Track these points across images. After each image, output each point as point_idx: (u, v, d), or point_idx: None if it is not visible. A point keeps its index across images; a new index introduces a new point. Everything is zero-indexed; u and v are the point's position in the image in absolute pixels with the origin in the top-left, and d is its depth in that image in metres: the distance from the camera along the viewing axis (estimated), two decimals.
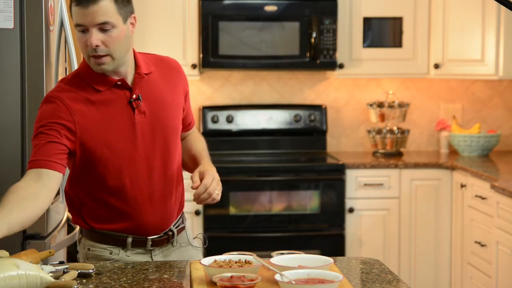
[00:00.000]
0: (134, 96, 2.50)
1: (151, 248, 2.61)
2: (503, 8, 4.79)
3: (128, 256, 2.59)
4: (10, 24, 2.93)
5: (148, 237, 2.60)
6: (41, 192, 2.35)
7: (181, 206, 2.70)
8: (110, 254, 2.58)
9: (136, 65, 2.53)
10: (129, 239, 2.58)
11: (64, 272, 2.23)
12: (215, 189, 2.48)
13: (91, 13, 2.37)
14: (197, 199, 2.47)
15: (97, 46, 2.39)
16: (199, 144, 2.76)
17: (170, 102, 2.58)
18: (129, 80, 2.53)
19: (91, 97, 2.48)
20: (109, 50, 2.42)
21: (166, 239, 2.63)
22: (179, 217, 2.69)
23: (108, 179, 2.52)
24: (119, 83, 2.50)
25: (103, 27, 2.39)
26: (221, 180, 2.55)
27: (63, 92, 2.48)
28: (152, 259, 2.59)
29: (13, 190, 2.30)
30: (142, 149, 2.53)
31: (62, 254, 3.35)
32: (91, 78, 2.49)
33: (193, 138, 2.77)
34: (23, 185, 2.34)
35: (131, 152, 2.51)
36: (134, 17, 2.50)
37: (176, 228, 2.66)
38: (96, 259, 2.59)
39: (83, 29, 2.40)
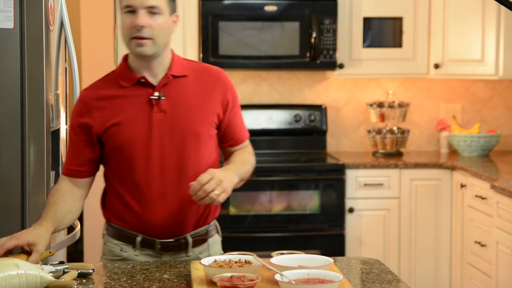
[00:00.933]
0: (156, 94, 2.55)
1: (161, 252, 2.60)
2: (503, 8, 4.80)
3: (137, 255, 2.61)
4: (10, 24, 2.93)
5: (157, 240, 2.60)
6: (77, 192, 2.60)
7: (207, 217, 2.66)
8: (120, 250, 2.61)
9: (169, 67, 2.59)
10: (138, 238, 2.60)
11: (64, 272, 2.23)
12: (213, 188, 2.40)
13: None
14: (194, 195, 2.43)
15: (142, 26, 2.47)
16: (237, 157, 2.70)
17: (197, 107, 2.58)
18: (157, 79, 2.58)
19: (114, 93, 2.57)
20: (153, 34, 2.50)
21: (178, 246, 2.61)
22: (203, 227, 2.66)
23: (122, 173, 2.57)
24: (142, 80, 2.56)
25: (151, 11, 2.49)
26: None
27: (89, 89, 2.63)
28: None
29: (53, 191, 2.59)
30: (158, 148, 2.54)
31: (62, 254, 3.34)
32: (120, 73, 2.60)
33: (236, 154, 2.71)
34: (61, 187, 2.59)
35: (146, 150, 2.54)
36: (177, 16, 2.60)
37: (194, 237, 2.63)
38: (109, 254, 2.63)
39: (131, 9, 2.49)
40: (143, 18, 2.47)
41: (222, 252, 2.72)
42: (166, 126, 2.55)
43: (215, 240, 2.72)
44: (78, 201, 2.60)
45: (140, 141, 2.54)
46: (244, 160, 2.68)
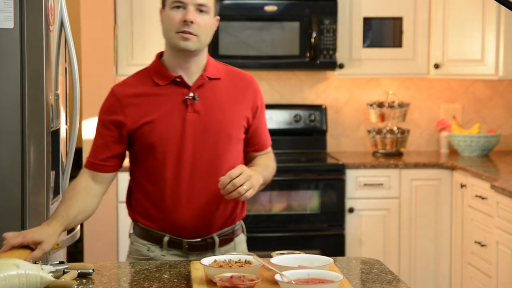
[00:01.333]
0: (191, 94, 2.57)
1: (188, 251, 2.62)
2: (503, 8, 4.80)
3: (164, 255, 2.62)
4: (10, 24, 2.93)
5: (184, 239, 2.61)
6: (96, 188, 2.60)
7: (233, 216, 2.67)
8: (148, 250, 2.63)
9: (204, 68, 2.62)
10: (166, 238, 2.61)
11: (64, 272, 2.23)
12: (242, 182, 2.42)
13: None
14: (222, 189, 2.44)
15: (191, 22, 2.52)
16: (261, 161, 2.73)
17: (229, 110, 2.61)
18: (192, 80, 2.60)
19: (149, 91, 2.59)
20: (199, 31, 2.54)
21: (205, 246, 2.62)
22: (229, 227, 2.67)
23: (152, 171, 2.59)
24: (178, 79, 2.59)
25: (200, 8, 2.54)
26: None
27: (122, 86, 2.63)
28: None
29: (70, 187, 2.60)
30: (190, 147, 2.55)
31: (62, 254, 3.34)
32: (155, 71, 2.62)
33: (260, 158, 2.75)
34: (79, 182, 2.60)
35: (178, 148, 2.56)
36: (218, 19, 2.64)
37: (220, 237, 2.64)
38: (136, 253, 2.66)
39: (180, 5, 2.53)
40: (193, 14, 2.52)
41: (247, 251, 2.73)
42: (199, 127, 2.57)
43: (241, 239, 2.74)
44: (95, 197, 2.60)
45: (173, 140, 2.56)
46: (268, 164, 2.72)
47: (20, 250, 2.30)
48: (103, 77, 4.85)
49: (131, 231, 2.72)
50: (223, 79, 2.65)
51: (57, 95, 3.21)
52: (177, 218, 2.58)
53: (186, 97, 2.57)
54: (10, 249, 2.29)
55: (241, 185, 2.43)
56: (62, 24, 3.29)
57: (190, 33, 2.53)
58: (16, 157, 2.95)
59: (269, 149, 2.81)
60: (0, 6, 2.90)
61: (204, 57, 2.64)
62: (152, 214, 2.61)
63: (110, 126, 2.59)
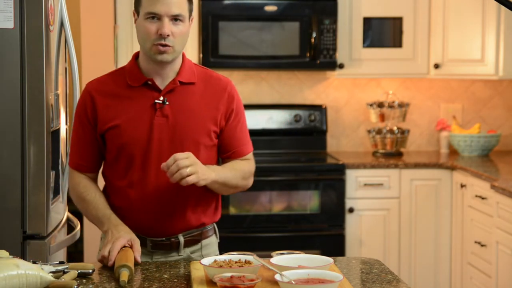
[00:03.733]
0: (160, 98, 2.56)
1: (151, 250, 2.61)
2: (503, 8, 4.80)
3: None
4: (10, 24, 2.93)
5: (148, 238, 2.61)
6: (95, 183, 2.68)
7: (203, 219, 2.66)
8: None
9: (178, 73, 2.60)
10: None
11: (64, 272, 2.23)
12: (186, 164, 2.41)
13: (168, 3, 2.49)
14: (167, 171, 2.43)
15: (168, 35, 2.49)
16: (229, 163, 2.67)
17: (199, 116, 2.59)
18: (165, 83, 2.59)
19: (121, 92, 2.58)
20: (175, 41, 2.52)
21: (169, 245, 2.62)
22: (197, 229, 2.66)
23: (120, 171, 2.59)
24: (149, 82, 2.57)
25: (176, 18, 2.51)
26: None
27: (96, 84, 2.62)
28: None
29: (80, 189, 2.63)
30: (156, 151, 2.55)
31: (62, 254, 3.34)
32: (129, 72, 2.61)
33: (231, 161, 2.68)
34: (85, 183, 2.64)
35: (144, 151, 2.56)
36: (192, 19, 2.61)
37: (186, 237, 2.64)
38: None
39: (155, 16, 2.50)
40: (168, 26, 2.49)
41: (217, 253, 2.72)
42: (166, 131, 2.56)
43: (210, 241, 2.72)
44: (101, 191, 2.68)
45: (140, 143, 2.55)
46: (235, 167, 2.66)
47: (125, 249, 2.40)
48: None
49: None
50: (198, 84, 2.62)
51: (57, 95, 3.21)
52: (142, 217, 2.59)
53: (156, 101, 2.56)
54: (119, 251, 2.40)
55: (185, 167, 2.41)
56: (62, 24, 3.30)
57: (167, 45, 2.51)
58: (16, 157, 2.95)
59: (248, 155, 2.72)
60: (0, 6, 2.90)
61: (178, 61, 2.61)
62: (119, 212, 2.60)
63: (84, 120, 2.60)
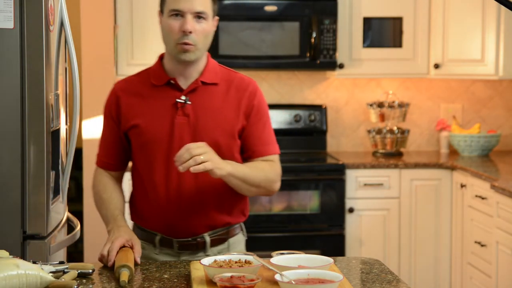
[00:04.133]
0: (182, 97, 2.57)
1: (178, 251, 2.62)
2: (503, 8, 4.80)
3: (157, 254, 2.64)
4: (10, 24, 2.93)
5: (174, 239, 2.61)
6: (117, 182, 2.72)
7: (228, 219, 2.65)
8: (143, 249, 2.60)
9: (202, 73, 2.61)
10: (157, 237, 2.63)
11: (64, 272, 2.23)
12: (199, 152, 2.37)
13: (192, 0, 2.51)
14: (178, 161, 2.39)
15: (190, 32, 2.50)
16: (251, 162, 2.63)
17: (221, 117, 2.59)
18: (188, 83, 2.60)
19: (144, 91, 2.61)
20: (198, 40, 2.54)
21: (195, 245, 2.62)
22: (223, 228, 2.65)
23: (144, 171, 2.61)
24: (172, 82, 2.59)
25: (199, 15, 2.52)
26: None
27: (123, 83, 2.68)
28: None
29: (100, 188, 2.68)
30: (177, 150, 2.50)
31: (62, 254, 3.34)
32: (154, 72, 2.64)
33: (253, 160, 2.64)
34: (105, 182, 2.69)
35: (166, 150, 2.57)
36: (217, 19, 2.63)
37: (212, 237, 2.63)
38: None
39: (178, 13, 2.52)
40: (191, 23, 2.51)
41: (245, 252, 2.68)
42: (187, 130, 2.57)
43: (237, 240, 2.71)
44: (121, 190, 2.72)
45: (162, 142, 2.57)
46: (256, 165, 2.61)
47: (126, 250, 2.41)
48: (103, 77, 4.85)
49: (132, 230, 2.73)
50: (221, 85, 2.63)
51: (57, 95, 3.21)
52: (167, 218, 2.60)
53: (177, 100, 2.57)
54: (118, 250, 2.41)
55: (198, 155, 2.37)
56: (62, 24, 3.29)
57: (190, 44, 2.52)
58: (16, 157, 2.95)
59: (271, 157, 2.66)
60: (0, 6, 2.90)
61: (202, 61, 2.63)
62: (145, 213, 2.64)
63: (110, 120, 2.66)
